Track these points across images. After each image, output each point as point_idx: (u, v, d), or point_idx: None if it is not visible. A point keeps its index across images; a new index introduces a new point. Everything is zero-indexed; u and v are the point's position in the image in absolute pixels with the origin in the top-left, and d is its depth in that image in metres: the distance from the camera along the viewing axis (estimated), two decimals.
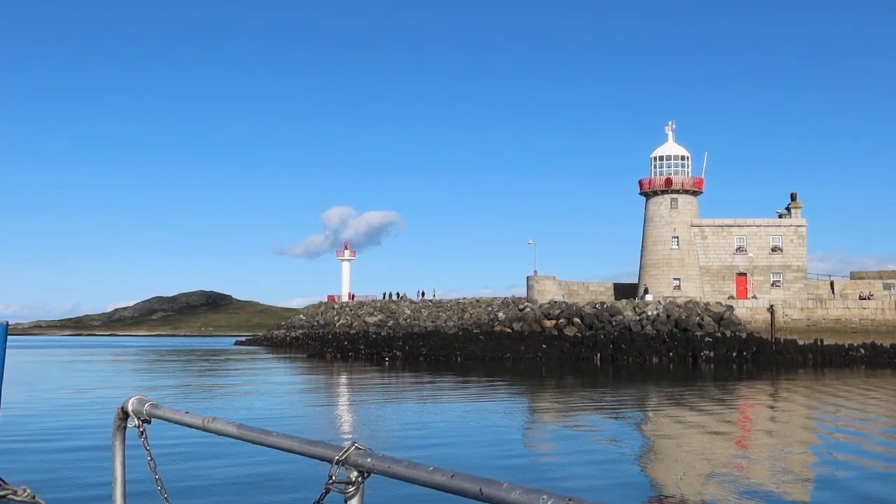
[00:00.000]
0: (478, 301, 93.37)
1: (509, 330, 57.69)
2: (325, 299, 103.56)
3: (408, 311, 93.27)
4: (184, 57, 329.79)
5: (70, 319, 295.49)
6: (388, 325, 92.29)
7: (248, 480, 11.67)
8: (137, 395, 3.04)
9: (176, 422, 2.89)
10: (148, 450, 2.95)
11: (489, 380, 35.38)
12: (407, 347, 54.06)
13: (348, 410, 22.56)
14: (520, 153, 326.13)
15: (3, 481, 4.21)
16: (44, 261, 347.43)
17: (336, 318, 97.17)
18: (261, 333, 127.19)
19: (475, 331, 58.70)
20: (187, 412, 2.86)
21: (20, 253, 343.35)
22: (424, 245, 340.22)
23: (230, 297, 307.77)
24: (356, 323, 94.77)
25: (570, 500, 1.71)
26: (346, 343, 66.09)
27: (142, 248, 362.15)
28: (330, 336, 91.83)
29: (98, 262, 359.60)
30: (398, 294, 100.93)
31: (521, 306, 62.29)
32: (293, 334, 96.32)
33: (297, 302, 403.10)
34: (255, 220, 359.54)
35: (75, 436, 16.95)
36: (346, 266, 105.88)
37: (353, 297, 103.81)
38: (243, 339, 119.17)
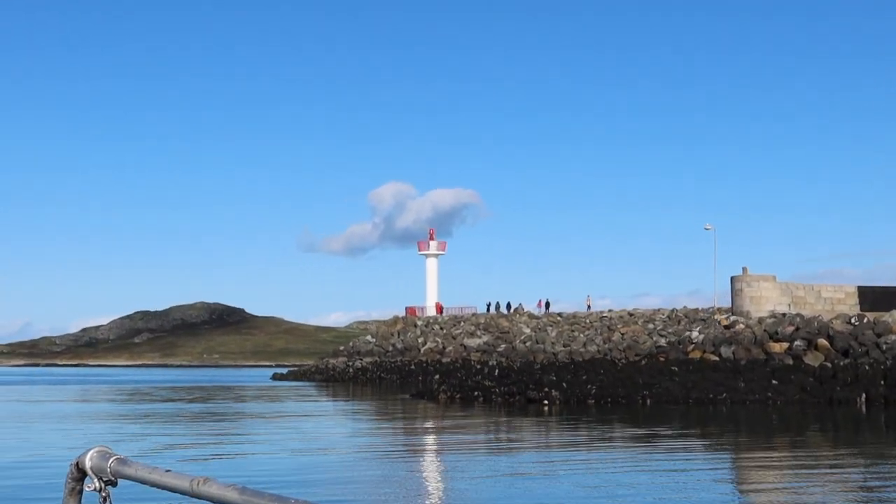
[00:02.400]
0: (630, 315, 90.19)
1: (715, 358, 54.18)
2: (403, 313, 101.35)
3: (527, 331, 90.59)
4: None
5: (22, 344, 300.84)
6: (499, 349, 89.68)
7: None
8: (98, 447, 3.04)
9: (152, 483, 2.89)
10: None
11: (724, 440, 33.02)
12: (564, 385, 50.86)
13: None
14: (665, 100, 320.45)
15: None
16: None
17: (420, 339, 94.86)
18: (309, 362, 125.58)
19: (661, 358, 55.36)
20: (168, 470, 2.86)
21: None
22: (515, 235, 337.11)
23: (242, 311, 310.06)
24: (450, 347, 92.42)
25: None
26: (464, 378, 63.18)
27: (119, 247, 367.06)
28: (413, 365, 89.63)
29: (58, 267, 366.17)
30: (509, 306, 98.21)
31: (724, 321, 58.55)
32: (358, 363, 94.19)
33: (336, 318, 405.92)
34: (274, 205, 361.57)
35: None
36: (431, 264, 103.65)
37: (442, 309, 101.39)
38: (283, 371, 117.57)
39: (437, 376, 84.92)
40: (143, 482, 2.94)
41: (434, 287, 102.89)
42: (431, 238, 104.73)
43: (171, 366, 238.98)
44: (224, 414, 46.28)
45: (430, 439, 33.25)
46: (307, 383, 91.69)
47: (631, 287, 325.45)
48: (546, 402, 48.94)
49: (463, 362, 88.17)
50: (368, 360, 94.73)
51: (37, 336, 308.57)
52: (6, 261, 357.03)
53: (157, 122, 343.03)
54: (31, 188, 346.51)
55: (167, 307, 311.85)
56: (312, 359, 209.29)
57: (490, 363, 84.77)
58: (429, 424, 39.57)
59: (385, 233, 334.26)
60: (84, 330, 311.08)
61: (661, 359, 55.89)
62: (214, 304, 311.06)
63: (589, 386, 50.52)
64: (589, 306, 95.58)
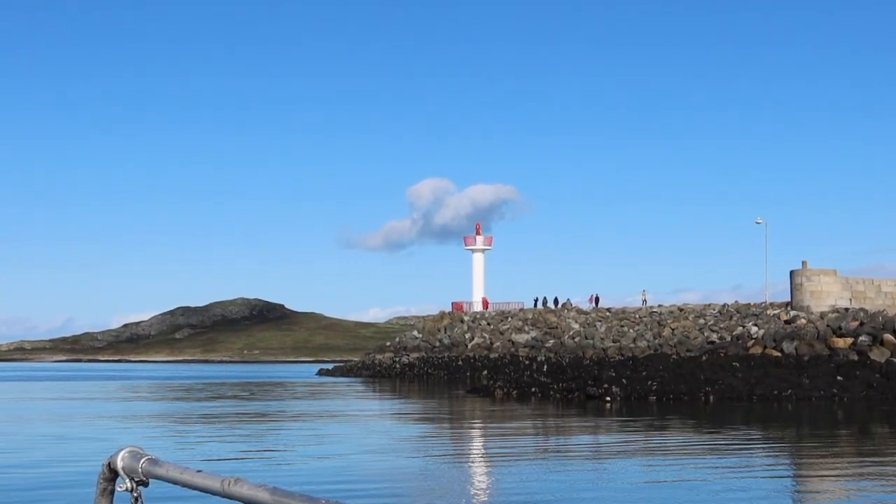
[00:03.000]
0: (680, 310, 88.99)
1: (777, 353, 53.13)
2: (443, 308, 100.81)
3: (575, 326, 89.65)
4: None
5: (64, 339, 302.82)
6: (547, 345, 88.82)
7: None
8: (130, 447, 3.08)
9: (183, 484, 2.92)
10: None
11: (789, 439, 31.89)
12: (624, 381, 49.95)
13: None
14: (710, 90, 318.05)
15: None
16: (23, 262, 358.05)
17: (467, 335, 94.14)
18: (352, 358, 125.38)
19: (721, 353, 54.36)
20: (199, 471, 2.89)
21: None
22: (554, 230, 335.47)
23: (282, 307, 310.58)
24: (498, 343, 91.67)
25: None
26: (518, 374, 62.37)
27: (160, 243, 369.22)
28: (460, 361, 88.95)
29: (99, 263, 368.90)
30: (556, 301, 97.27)
31: (784, 315, 57.49)
32: (405, 359, 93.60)
33: (374, 314, 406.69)
34: (313, 202, 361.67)
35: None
36: (478, 259, 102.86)
37: (488, 304, 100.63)
38: (328, 367, 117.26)
39: (485, 372, 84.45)
40: (175, 482, 2.96)
41: (480, 282, 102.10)
42: (478, 233, 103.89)
43: (212, 361, 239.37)
44: (300, 414, 43.33)
45: (543, 442, 31.04)
46: (354, 379, 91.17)
47: (672, 282, 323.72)
48: (608, 398, 48.05)
49: (511, 358, 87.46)
50: (415, 355, 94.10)
51: (78, 332, 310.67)
52: (49, 257, 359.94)
53: (199, 119, 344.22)
54: (74, 185, 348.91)
55: (208, 303, 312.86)
56: (352, 354, 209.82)
57: (538, 359, 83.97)
58: (515, 425, 37.53)
59: (423, 229, 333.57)
60: (125, 326, 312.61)
61: (721, 354, 54.89)
62: (255, 299, 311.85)
63: (649, 382, 49.58)
64: (644, 301, 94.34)
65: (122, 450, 3.09)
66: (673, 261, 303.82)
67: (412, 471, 22.41)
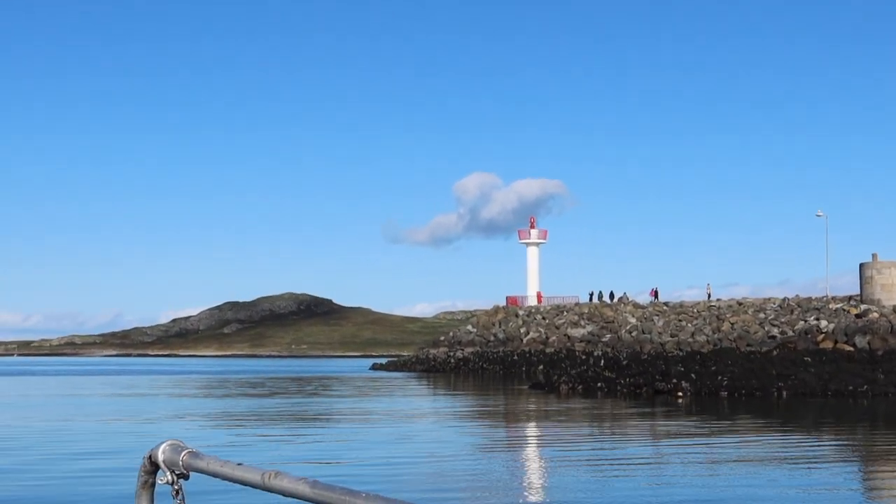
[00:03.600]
0: (739, 304, 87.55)
1: (849, 348, 51.81)
2: (492, 302, 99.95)
3: (632, 320, 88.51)
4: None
5: (114, 334, 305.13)
6: (604, 339, 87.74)
7: None
8: (171, 441, 3.10)
9: (224, 477, 2.94)
10: None
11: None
12: (693, 376, 48.85)
13: None
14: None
15: None
16: (73, 258, 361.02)
17: (522, 329, 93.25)
18: (403, 354, 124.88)
19: (791, 346, 53.15)
20: (240, 464, 2.91)
21: (42, 250, 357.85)
22: (601, 225, 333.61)
23: (329, 301, 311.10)
24: (553, 337, 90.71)
25: None
26: (582, 369, 61.25)
27: (209, 238, 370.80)
28: (516, 356, 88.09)
29: (148, 258, 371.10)
30: (612, 295, 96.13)
31: (854, 310, 56.11)
32: (460, 354, 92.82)
33: (421, 309, 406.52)
34: (359, 197, 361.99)
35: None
36: (532, 253, 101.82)
37: (542, 298, 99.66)
38: (382, 361, 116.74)
39: (541, 367, 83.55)
40: (215, 475, 2.96)
41: (535, 276, 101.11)
42: (532, 226, 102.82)
43: (261, 356, 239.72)
44: (386, 412, 40.40)
45: (654, 445, 28.09)
46: (408, 374, 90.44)
47: (719, 276, 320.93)
48: (680, 394, 46.95)
49: (567, 352, 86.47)
50: (469, 350, 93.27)
51: (128, 327, 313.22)
52: (98, 252, 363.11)
53: (249, 116, 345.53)
54: (124, 182, 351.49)
55: (256, 298, 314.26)
56: (400, 350, 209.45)
57: (595, 353, 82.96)
58: (609, 424, 34.97)
59: (470, 223, 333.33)
60: (174, 321, 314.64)
61: (791, 348, 53.69)
62: (302, 294, 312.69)
63: (719, 377, 48.43)
64: (709, 294, 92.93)
65: (163, 443, 3.11)
66: (719, 255, 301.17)
67: (553, 476, 20.79)
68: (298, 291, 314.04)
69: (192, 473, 3.05)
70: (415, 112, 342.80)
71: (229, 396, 52.05)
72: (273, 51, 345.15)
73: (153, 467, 3.11)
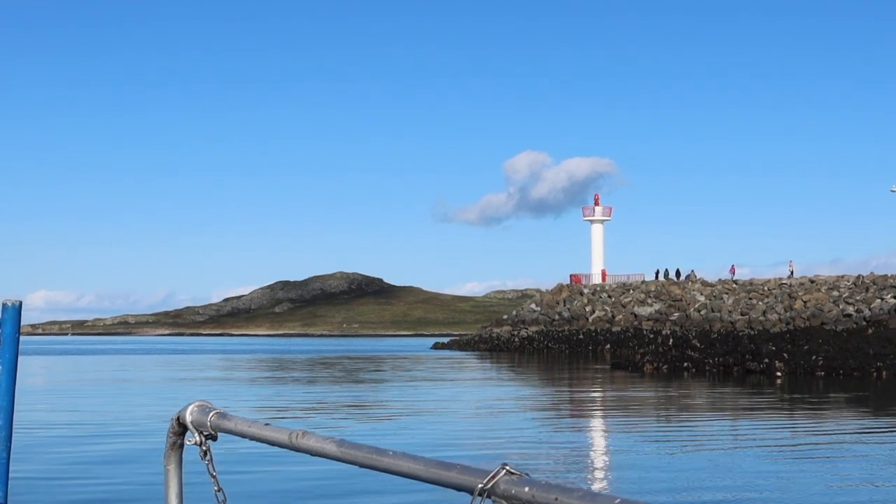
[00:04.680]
0: (812, 282, 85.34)
1: None
2: (554, 281, 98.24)
3: (701, 298, 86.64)
4: None
5: (166, 314, 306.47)
6: (672, 318, 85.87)
7: None
8: (199, 402, 3.10)
9: (252, 437, 2.94)
10: (214, 476, 3.01)
11: None
12: (786, 355, 46.98)
13: None
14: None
15: None
16: (125, 237, 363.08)
17: (588, 308, 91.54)
18: (454, 333, 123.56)
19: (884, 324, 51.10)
20: (267, 424, 2.91)
21: (94, 229, 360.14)
22: (651, 203, 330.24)
23: (381, 280, 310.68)
24: (620, 316, 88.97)
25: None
26: (671, 348, 59.28)
27: (259, 218, 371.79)
28: (581, 335, 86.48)
29: (200, 238, 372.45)
30: (678, 273, 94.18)
31: None
32: (524, 332, 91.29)
33: (471, 288, 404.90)
34: (410, 176, 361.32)
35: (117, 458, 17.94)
36: (597, 231, 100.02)
37: (607, 276, 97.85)
38: (444, 340, 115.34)
39: (607, 346, 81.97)
40: (243, 436, 2.96)
41: (600, 254, 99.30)
42: (597, 203, 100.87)
43: (313, 335, 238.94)
44: (481, 401, 34.60)
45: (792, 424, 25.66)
46: (471, 353, 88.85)
47: (771, 255, 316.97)
48: (778, 373, 45.13)
49: (634, 331, 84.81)
50: (534, 329, 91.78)
51: (180, 306, 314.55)
52: (150, 232, 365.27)
53: (299, 95, 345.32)
54: (176, 161, 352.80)
55: (307, 277, 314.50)
56: (451, 328, 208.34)
57: (663, 332, 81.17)
58: (731, 406, 31.29)
59: (520, 202, 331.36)
60: (226, 300, 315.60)
61: (884, 324, 51.69)
62: (353, 273, 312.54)
63: (814, 357, 46.53)
64: (791, 272, 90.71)
65: (190, 404, 3.06)
66: (771, 234, 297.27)
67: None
68: (350, 270, 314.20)
69: (220, 435, 3.01)
70: (465, 91, 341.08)
71: (315, 382, 46.88)
72: (331, 29, 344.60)
73: (181, 428, 3.08)
